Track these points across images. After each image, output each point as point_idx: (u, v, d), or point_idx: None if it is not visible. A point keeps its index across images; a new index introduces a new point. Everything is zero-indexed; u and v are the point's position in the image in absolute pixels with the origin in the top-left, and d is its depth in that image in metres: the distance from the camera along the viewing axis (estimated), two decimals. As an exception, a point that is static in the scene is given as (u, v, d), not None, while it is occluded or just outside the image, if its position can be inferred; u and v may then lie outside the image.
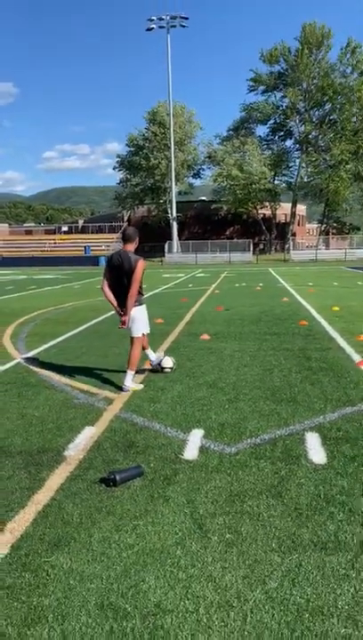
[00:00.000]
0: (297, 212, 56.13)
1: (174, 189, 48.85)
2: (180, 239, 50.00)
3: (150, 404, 4.85)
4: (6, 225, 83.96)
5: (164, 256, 46.60)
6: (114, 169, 55.27)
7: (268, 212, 54.59)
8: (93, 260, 41.69)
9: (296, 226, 57.59)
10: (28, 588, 2.30)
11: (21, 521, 2.84)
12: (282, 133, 53.65)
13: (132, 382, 5.34)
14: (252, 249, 46.77)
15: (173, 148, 47.07)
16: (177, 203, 50.06)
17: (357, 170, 48.10)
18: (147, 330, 5.47)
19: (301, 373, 5.85)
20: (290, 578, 2.32)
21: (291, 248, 47.41)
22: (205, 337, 8.16)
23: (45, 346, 7.80)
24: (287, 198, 54.92)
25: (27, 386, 5.58)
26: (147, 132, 51.40)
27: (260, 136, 53.99)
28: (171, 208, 49.47)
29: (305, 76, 47.68)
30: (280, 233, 54.34)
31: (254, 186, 46.84)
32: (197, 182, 58.61)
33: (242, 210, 50.87)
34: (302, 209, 63.57)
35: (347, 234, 55.36)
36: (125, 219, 59.17)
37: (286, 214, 55.26)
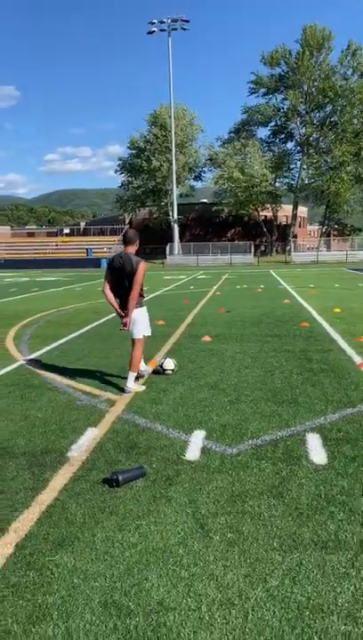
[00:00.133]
0: (298, 214, 56.16)
1: (176, 192, 48.94)
2: (181, 241, 50.06)
3: (152, 405, 4.89)
4: (8, 227, 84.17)
5: (165, 258, 46.66)
6: (116, 172, 55.47)
7: (269, 213, 54.64)
8: (95, 263, 41.77)
9: (297, 228, 57.61)
10: (32, 587, 2.33)
11: (25, 521, 2.88)
12: (283, 135, 53.73)
13: (133, 384, 5.38)
14: (253, 251, 46.80)
15: (174, 151, 47.19)
16: (178, 205, 50.14)
17: (357, 172, 48.14)
18: (148, 332, 5.49)
19: (302, 375, 5.88)
20: (291, 576, 2.36)
21: (292, 250, 47.43)
22: (207, 339, 8.19)
23: (48, 348, 7.84)
24: (289, 200, 54.96)
25: (30, 387, 5.62)
26: (148, 135, 51.53)
27: (261, 138, 54.14)
28: (172, 210, 49.56)
29: (306, 78, 47.77)
30: (281, 235, 54.38)
31: (255, 188, 46.89)
32: (198, 185, 58.79)
33: (243, 212, 50.92)
34: (303, 211, 63.61)
35: (348, 235, 55.34)
36: (127, 221, 59.29)
37: (287, 216, 55.28)
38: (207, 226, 57.99)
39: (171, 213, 50.04)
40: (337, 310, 11.36)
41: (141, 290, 5.31)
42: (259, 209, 52.30)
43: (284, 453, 3.71)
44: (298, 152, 52.64)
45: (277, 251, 53.45)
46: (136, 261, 5.15)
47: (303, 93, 49.00)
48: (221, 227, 57.05)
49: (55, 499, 3.13)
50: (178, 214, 49.35)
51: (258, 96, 52.13)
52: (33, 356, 7.29)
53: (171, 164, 47.72)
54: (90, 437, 4.09)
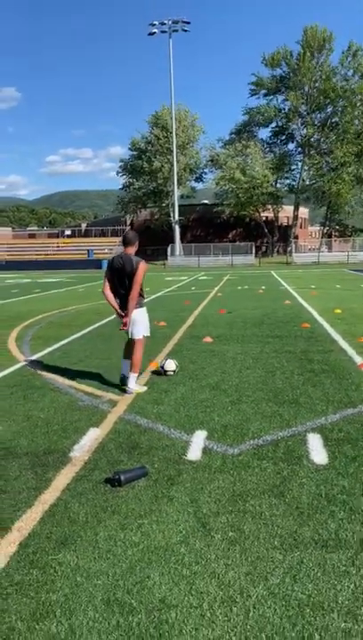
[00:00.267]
0: (300, 215, 56.19)
1: (177, 193, 49.00)
2: (182, 242, 50.11)
3: (154, 405, 4.91)
4: (9, 229, 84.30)
5: (166, 259, 46.71)
6: (117, 174, 55.50)
7: (270, 214, 54.67)
8: (96, 264, 41.83)
9: (299, 228, 57.63)
10: (36, 585, 2.36)
11: (29, 520, 2.91)
12: (284, 137, 53.78)
13: (135, 384, 5.41)
14: (254, 252, 46.83)
15: (175, 152, 47.26)
16: (179, 206, 50.20)
17: (359, 172, 48.17)
18: (147, 332, 5.50)
19: (303, 375, 5.90)
20: (292, 574, 2.38)
21: (293, 251, 47.45)
22: (208, 339, 8.22)
23: (50, 349, 7.87)
24: (290, 201, 54.99)
25: (32, 388, 5.65)
26: (150, 136, 51.61)
27: (262, 139, 54.18)
28: (173, 211, 49.62)
29: (307, 79, 47.83)
30: (283, 236, 54.39)
31: (256, 189, 46.92)
32: (199, 186, 58.87)
33: (244, 213, 50.98)
34: (304, 212, 63.63)
35: (350, 236, 55.36)
36: (128, 222, 59.37)
37: (288, 217, 55.30)
38: (208, 227, 58.04)
39: (172, 214, 50.10)
40: (338, 311, 11.38)
41: (142, 290, 5.33)
42: (260, 210, 52.34)
43: (285, 453, 3.73)
44: (299, 153, 52.70)
45: (278, 252, 53.47)
46: (136, 262, 5.18)
47: (304, 94, 49.04)
48: (222, 228, 57.10)
49: (58, 498, 3.15)
50: (179, 215, 49.40)
51: (259, 97, 52.25)
52: (35, 356, 7.32)
53: (172, 166, 47.79)
54: (92, 438, 4.12)
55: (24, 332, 9.65)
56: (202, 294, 17.22)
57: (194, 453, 3.77)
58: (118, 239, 49.81)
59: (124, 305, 5.28)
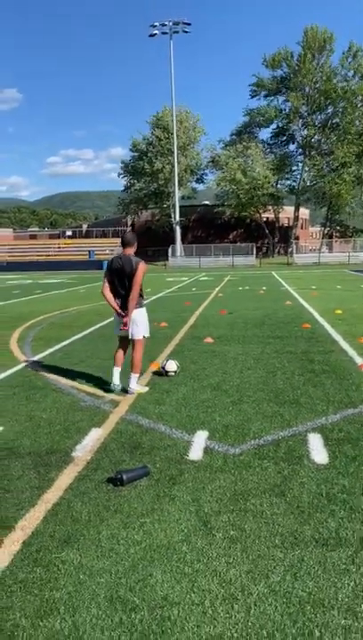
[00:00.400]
0: (300, 216, 56.22)
1: (178, 194, 49.06)
2: (183, 243, 50.16)
3: (155, 406, 4.94)
4: (10, 230, 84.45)
5: (167, 260, 46.76)
6: (119, 175, 55.57)
7: (271, 215, 54.71)
8: (97, 265, 41.86)
9: (299, 229, 57.67)
10: (39, 582, 2.39)
11: (32, 519, 2.94)
12: (285, 137, 53.83)
13: (137, 385, 5.43)
14: (255, 252, 46.85)
15: (176, 153, 47.32)
16: (180, 207, 50.25)
17: (360, 173, 48.19)
18: (147, 333, 5.52)
19: (303, 376, 5.92)
20: (292, 572, 2.41)
21: (294, 251, 47.46)
22: (209, 340, 8.25)
23: (51, 350, 7.91)
24: (290, 202, 55.01)
25: (34, 389, 5.68)
26: (151, 137, 51.67)
27: (262, 140, 54.21)
28: (174, 212, 49.67)
29: (308, 80, 47.88)
30: (283, 236, 54.42)
31: (257, 190, 46.94)
32: (200, 187, 58.92)
33: (245, 214, 51.02)
34: (305, 212, 63.66)
35: (350, 237, 55.36)
36: (129, 223, 59.44)
37: (289, 218, 55.32)
38: (209, 228, 58.11)
39: (173, 215, 50.14)
40: (339, 312, 11.40)
41: (141, 291, 5.35)
42: (261, 211, 52.37)
43: (286, 453, 3.76)
44: (300, 154, 52.73)
45: (279, 252, 53.48)
46: (136, 262, 5.22)
47: (305, 95, 49.07)
48: (222, 228, 57.15)
49: (61, 497, 3.18)
50: (180, 216, 49.45)
51: (259, 98, 52.30)
52: (37, 357, 7.36)
53: (173, 167, 47.85)
54: (94, 438, 4.15)
55: (26, 333, 9.69)
56: (203, 295, 17.25)
57: (195, 453, 3.80)
58: (119, 240, 49.85)
59: (124, 306, 5.31)
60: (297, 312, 11.77)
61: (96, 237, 60.46)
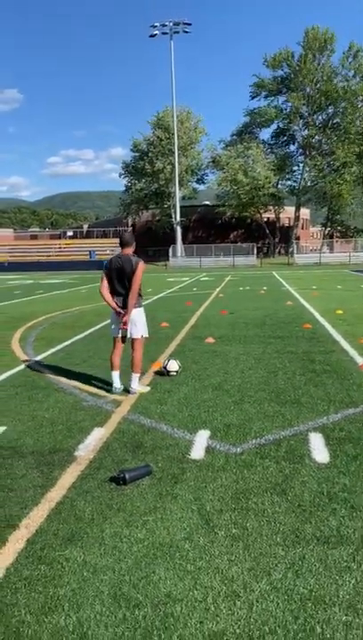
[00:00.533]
0: (301, 216, 56.25)
1: (178, 194, 49.09)
2: (184, 243, 50.20)
3: (157, 405, 4.97)
4: (11, 230, 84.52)
5: (168, 260, 46.79)
6: (120, 175, 55.61)
7: (272, 215, 54.73)
8: (98, 265, 41.88)
9: (300, 229, 57.68)
10: (44, 580, 2.42)
11: (36, 517, 2.97)
12: (285, 138, 53.85)
13: (138, 385, 5.46)
14: (256, 252, 46.88)
15: (176, 153, 47.34)
16: (181, 207, 50.30)
17: (361, 173, 48.19)
18: (146, 333, 5.52)
19: (305, 376, 5.95)
20: (294, 570, 2.43)
21: (295, 251, 47.47)
22: (210, 340, 8.27)
23: (53, 350, 7.94)
24: (291, 202, 55.02)
25: (36, 389, 5.71)
26: (152, 137, 51.69)
27: (263, 140, 54.23)
28: (175, 212, 49.72)
29: (308, 80, 47.90)
30: (284, 236, 54.44)
31: (258, 191, 46.95)
32: (200, 187, 58.97)
33: (246, 214, 51.04)
34: (306, 212, 63.67)
35: (351, 237, 55.36)
36: (130, 223, 59.48)
37: (289, 218, 55.35)
38: (210, 228, 58.14)
39: (173, 216, 50.19)
40: (340, 312, 11.43)
41: (140, 291, 5.37)
42: (261, 211, 52.38)
43: (287, 452, 3.78)
44: (301, 154, 52.76)
45: (279, 252, 53.50)
46: (135, 261, 5.25)
47: (305, 95, 49.09)
48: (223, 229, 57.19)
49: (64, 496, 3.21)
50: (181, 216, 49.49)
51: (260, 99, 52.32)
52: (39, 357, 7.39)
53: (174, 167, 47.88)
54: (96, 437, 4.18)
55: (28, 333, 9.72)
56: (204, 295, 17.28)
57: (197, 452, 3.82)
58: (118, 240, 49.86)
59: (124, 305, 5.32)
60: (298, 312, 11.79)
61: (97, 237, 60.53)
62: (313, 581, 2.34)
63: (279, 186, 52.55)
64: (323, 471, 3.46)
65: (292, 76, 49.01)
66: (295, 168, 53.63)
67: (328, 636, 2.03)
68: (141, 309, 5.44)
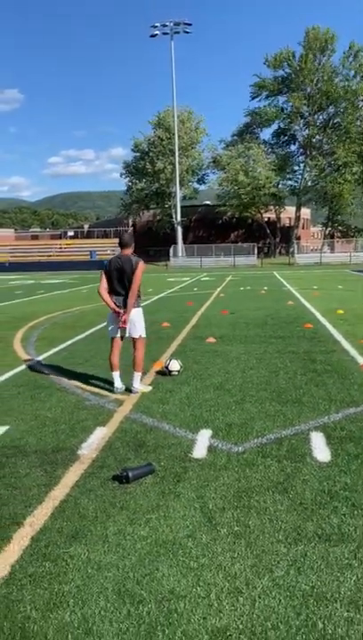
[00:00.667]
0: (302, 216, 56.25)
1: (179, 194, 49.13)
2: (184, 243, 50.23)
3: (159, 405, 5.00)
4: (12, 230, 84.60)
5: (168, 260, 46.82)
6: (121, 175, 55.65)
7: (272, 215, 54.75)
8: (99, 265, 41.83)
9: (301, 229, 57.69)
10: (49, 576, 2.45)
11: (40, 515, 3.00)
12: (286, 138, 53.87)
13: (140, 384, 5.49)
14: (256, 252, 46.91)
15: (177, 154, 47.37)
16: (182, 207, 50.34)
17: (361, 173, 48.19)
18: (143, 333, 5.51)
19: (306, 375, 5.97)
20: (296, 567, 2.46)
21: (295, 251, 47.51)
22: (212, 340, 8.30)
23: (55, 349, 7.97)
24: (292, 202, 55.04)
25: (39, 388, 5.74)
26: (153, 137, 51.71)
27: (264, 140, 54.24)
28: (175, 212, 49.76)
29: (309, 80, 47.92)
30: (285, 236, 54.46)
31: (259, 191, 46.96)
32: (201, 187, 59.00)
33: (246, 214, 51.06)
34: (306, 212, 63.66)
35: (352, 237, 55.38)
36: (131, 223, 59.52)
37: (290, 218, 55.37)
38: (210, 228, 58.17)
39: (174, 216, 50.23)
40: (340, 312, 11.45)
41: (139, 291, 5.40)
42: (262, 211, 52.40)
43: (288, 451, 3.81)
44: (301, 154, 52.78)
45: (280, 252, 53.53)
46: (136, 261, 5.27)
47: (306, 95, 49.11)
48: (224, 229, 57.21)
49: (68, 494, 3.24)
50: (181, 216, 49.54)
51: (260, 99, 52.33)
52: (41, 357, 7.42)
53: (174, 167, 47.91)
54: (99, 436, 4.21)
55: (29, 333, 9.75)
56: (204, 295, 17.31)
57: (199, 451, 3.85)
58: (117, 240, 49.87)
59: (124, 305, 5.34)
60: (299, 312, 11.81)
61: (97, 237, 60.59)
62: (315, 578, 2.37)
63: (280, 186, 52.54)
64: (324, 470, 3.49)
65: (292, 75, 49.01)
66: (296, 168, 53.72)
67: (330, 631, 2.06)
68: (140, 310, 5.47)
